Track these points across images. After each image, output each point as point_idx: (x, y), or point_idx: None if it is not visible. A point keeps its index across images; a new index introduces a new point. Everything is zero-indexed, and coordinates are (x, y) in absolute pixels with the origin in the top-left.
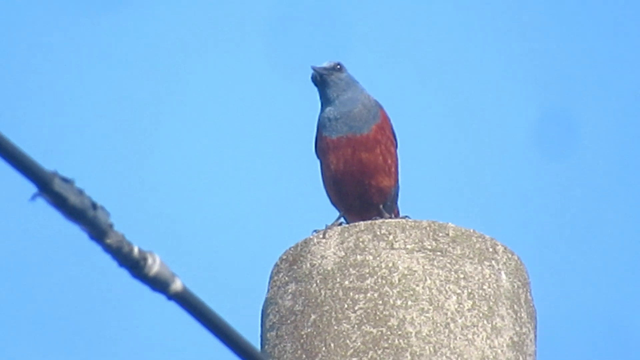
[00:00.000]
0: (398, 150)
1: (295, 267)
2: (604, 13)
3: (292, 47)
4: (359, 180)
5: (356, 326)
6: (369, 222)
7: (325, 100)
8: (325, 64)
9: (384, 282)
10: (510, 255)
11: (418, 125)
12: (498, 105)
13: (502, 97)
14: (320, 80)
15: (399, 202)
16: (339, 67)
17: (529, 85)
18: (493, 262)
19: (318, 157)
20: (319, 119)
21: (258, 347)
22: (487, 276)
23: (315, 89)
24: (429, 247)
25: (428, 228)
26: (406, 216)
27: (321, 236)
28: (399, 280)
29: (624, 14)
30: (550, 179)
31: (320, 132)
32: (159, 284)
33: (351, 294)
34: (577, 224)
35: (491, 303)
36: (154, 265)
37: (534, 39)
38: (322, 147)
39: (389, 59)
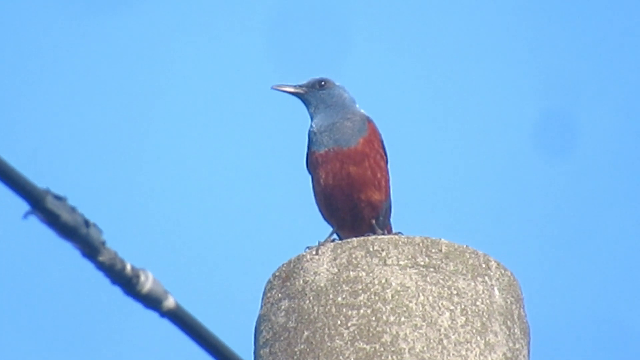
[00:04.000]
0: (389, 165)
1: (288, 283)
2: (604, 13)
3: (291, 49)
4: (348, 195)
5: (349, 342)
6: (362, 238)
7: (311, 115)
8: (303, 82)
9: (377, 298)
10: (503, 271)
11: (412, 135)
12: (495, 110)
13: (500, 100)
14: (301, 98)
15: (391, 219)
16: (323, 83)
17: (527, 87)
18: (486, 278)
19: (309, 172)
20: (307, 135)
21: None
22: (480, 292)
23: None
24: (422, 263)
25: (421, 244)
26: (399, 232)
27: (314, 253)
28: (392, 296)
29: (624, 14)
30: (546, 193)
31: (309, 147)
32: (151, 301)
33: (344, 310)
34: (570, 239)
35: (484, 319)
36: (147, 282)
37: (533, 39)
38: (312, 162)
39: (387, 60)
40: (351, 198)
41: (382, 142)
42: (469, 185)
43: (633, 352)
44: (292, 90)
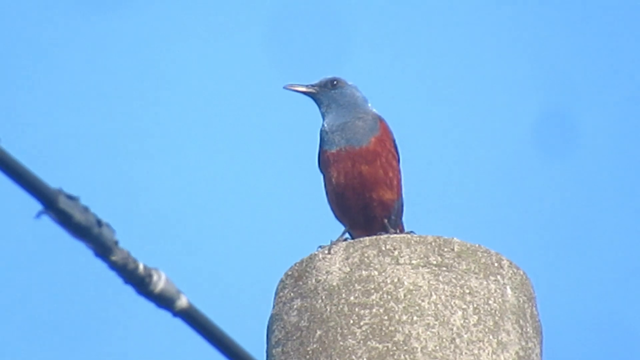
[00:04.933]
0: (401, 164)
1: (301, 282)
2: (603, 13)
3: (293, 49)
4: (360, 194)
5: (362, 342)
6: (374, 237)
7: (322, 115)
8: (315, 82)
9: (389, 297)
10: (515, 270)
11: (419, 134)
12: (496, 108)
13: (500, 99)
14: (313, 98)
15: (403, 218)
16: (335, 82)
17: (527, 87)
18: (498, 277)
19: (321, 171)
20: (319, 134)
21: None
22: (493, 291)
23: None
24: (435, 263)
25: (433, 243)
26: (411, 231)
27: (326, 252)
28: (405, 295)
29: (624, 14)
30: (558, 191)
31: (321, 146)
32: (164, 301)
33: (357, 309)
34: (582, 238)
35: (497, 318)
36: (160, 282)
37: (533, 39)
38: (324, 161)
39: (388, 60)
40: (363, 197)
41: (394, 141)
42: (481, 185)
43: None
44: (304, 89)
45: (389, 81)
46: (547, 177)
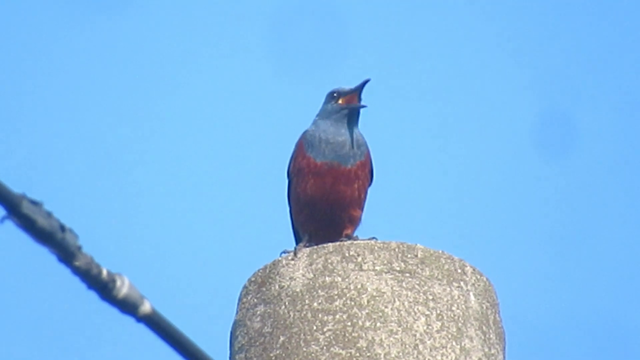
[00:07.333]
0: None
1: (264, 289)
2: (603, 14)
3: (291, 49)
4: (333, 210)
5: (325, 348)
6: (338, 243)
7: (325, 122)
8: (353, 88)
9: (352, 303)
10: (479, 277)
11: (397, 137)
12: (490, 112)
13: (498, 101)
14: (352, 113)
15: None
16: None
17: (526, 88)
18: (462, 283)
19: (290, 176)
20: (305, 137)
21: None
22: (456, 297)
23: (323, 99)
24: (398, 269)
25: (397, 249)
26: (374, 237)
27: (290, 258)
28: (368, 301)
29: (623, 15)
30: (521, 198)
31: (304, 151)
32: (128, 306)
33: (320, 315)
34: (544, 244)
35: (460, 324)
36: (123, 287)
37: (533, 39)
38: (301, 167)
39: (386, 60)
40: (333, 213)
41: (371, 166)
42: (444, 191)
43: (611, 357)
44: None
45: (387, 81)
46: (512, 184)
